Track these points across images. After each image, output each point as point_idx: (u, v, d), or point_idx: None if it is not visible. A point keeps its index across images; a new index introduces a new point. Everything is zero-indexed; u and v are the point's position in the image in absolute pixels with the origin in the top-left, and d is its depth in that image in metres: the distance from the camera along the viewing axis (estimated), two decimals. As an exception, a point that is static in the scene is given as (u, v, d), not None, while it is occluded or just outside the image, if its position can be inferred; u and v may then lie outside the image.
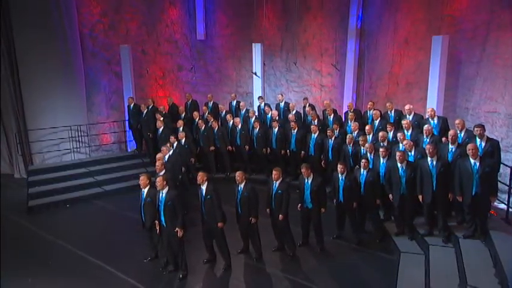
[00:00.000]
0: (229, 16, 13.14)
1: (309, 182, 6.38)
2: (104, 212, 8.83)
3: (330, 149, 8.53)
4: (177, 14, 12.95)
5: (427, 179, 6.15)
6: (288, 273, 6.10)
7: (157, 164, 6.90)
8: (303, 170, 6.41)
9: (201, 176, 5.99)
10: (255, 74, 11.87)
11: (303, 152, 9.21)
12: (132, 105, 10.65)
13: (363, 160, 6.60)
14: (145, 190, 6.04)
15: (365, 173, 6.60)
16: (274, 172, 6.30)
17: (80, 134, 10.79)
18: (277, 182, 6.25)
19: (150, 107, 10.55)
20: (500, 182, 6.63)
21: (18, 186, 10.26)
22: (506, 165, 6.84)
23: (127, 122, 11.35)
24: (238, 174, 6.15)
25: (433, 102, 9.20)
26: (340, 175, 6.55)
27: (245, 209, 6.15)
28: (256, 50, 11.95)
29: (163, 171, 6.76)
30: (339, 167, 6.56)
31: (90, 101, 11.62)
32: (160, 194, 5.77)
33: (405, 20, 10.53)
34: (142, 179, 6.05)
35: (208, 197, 5.89)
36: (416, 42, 10.33)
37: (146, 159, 10.82)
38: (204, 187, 5.94)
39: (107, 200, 9.37)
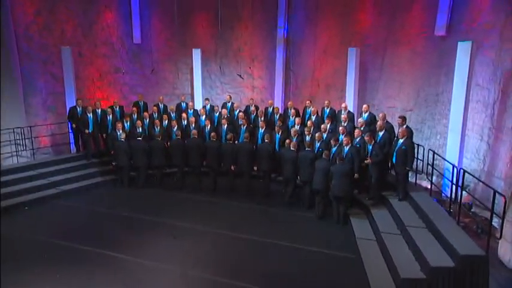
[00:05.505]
0: (165, 22, 13.86)
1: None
2: (70, 209, 9.00)
3: (277, 141, 10.13)
4: (113, 17, 13.18)
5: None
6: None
7: None
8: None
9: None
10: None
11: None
12: (81, 108, 10.73)
13: (326, 152, 8.32)
14: None
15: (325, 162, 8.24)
16: None
17: (23, 137, 10.44)
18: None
19: (100, 110, 10.86)
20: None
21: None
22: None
23: (71, 124, 11.26)
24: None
25: (350, 100, 11.55)
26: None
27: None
28: (196, 55, 12.97)
29: None
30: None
31: (26, 102, 11.23)
32: None
33: (323, 34, 12.81)
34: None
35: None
36: (332, 52, 12.67)
37: (93, 159, 11.03)
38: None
39: (66, 199, 9.47)
